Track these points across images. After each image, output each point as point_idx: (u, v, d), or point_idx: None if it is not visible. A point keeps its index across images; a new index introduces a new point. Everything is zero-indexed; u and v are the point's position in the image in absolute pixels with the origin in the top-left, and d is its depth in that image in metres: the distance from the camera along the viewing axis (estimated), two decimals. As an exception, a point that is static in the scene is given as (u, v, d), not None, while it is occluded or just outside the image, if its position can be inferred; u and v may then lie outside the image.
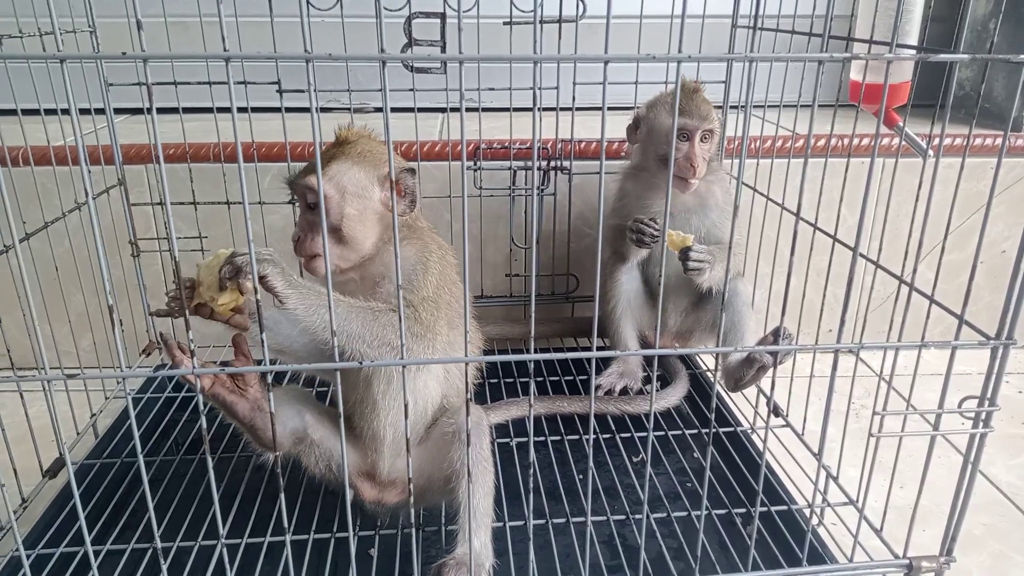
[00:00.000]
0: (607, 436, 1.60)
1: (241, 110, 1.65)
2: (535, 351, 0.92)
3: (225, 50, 0.69)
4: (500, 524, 1.31)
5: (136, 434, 0.86)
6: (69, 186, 1.62)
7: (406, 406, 0.91)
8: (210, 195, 1.80)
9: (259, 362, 0.89)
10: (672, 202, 1.63)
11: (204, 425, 0.86)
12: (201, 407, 0.86)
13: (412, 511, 0.96)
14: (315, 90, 0.74)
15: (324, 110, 2.30)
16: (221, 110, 1.68)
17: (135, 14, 0.69)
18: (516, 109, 1.80)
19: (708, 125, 1.55)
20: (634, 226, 1.57)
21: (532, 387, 0.91)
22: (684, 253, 1.50)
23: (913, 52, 1.32)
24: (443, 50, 1.61)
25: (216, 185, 1.80)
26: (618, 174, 1.77)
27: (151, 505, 0.88)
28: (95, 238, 0.79)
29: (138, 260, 1.78)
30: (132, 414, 0.87)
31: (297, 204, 1.19)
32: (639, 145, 1.70)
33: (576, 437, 1.59)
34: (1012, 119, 0.94)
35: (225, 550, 0.98)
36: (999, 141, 1.17)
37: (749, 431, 1.61)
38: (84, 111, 1.50)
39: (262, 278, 0.98)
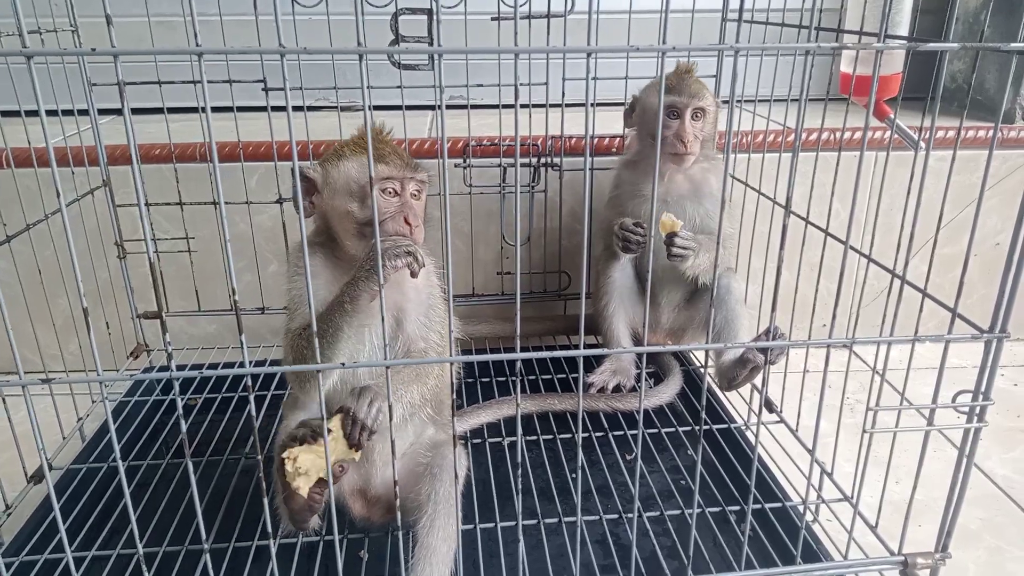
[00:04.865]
0: (600, 434, 1.58)
1: (227, 109, 1.64)
2: (523, 350, 0.91)
3: (197, 45, 0.67)
4: (491, 524, 1.30)
5: (115, 442, 0.84)
6: (52, 188, 1.59)
7: (390, 407, 0.90)
8: (197, 195, 1.78)
9: (240, 364, 0.88)
10: (666, 188, 1.62)
11: (184, 431, 0.84)
12: (180, 412, 0.84)
13: (399, 514, 0.95)
14: (293, 88, 0.73)
15: (312, 108, 2.28)
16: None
17: (105, 9, 0.67)
18: (505, 106, 1.78)
19: (698, 103, 1.54)
20: (620, 232, 1.55)
21: (519, 386, 0.90)
22: (670, 238, 1.49)
23: (903, 42, 1.31)
24: (430, 46, 1.60)
25: (203, 185, 1.78)
26: (615, 165, 1.76)
27: (132, 514, 0.87)
28: (68, 243, 0.78)
29: (124, 261, 1.76)
30: (111, 419, 0.86)
31: (381, 194, 1.12)
32: (635, 130, 1.69)
33: (569, 436, 1.57)
34: (1003, 111, 0.93)
35: (210, 557, 0.96)
36: (991, 133, 1.15)
37: (743, 427, 1.60)
38: (68, 112, 1.49)
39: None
